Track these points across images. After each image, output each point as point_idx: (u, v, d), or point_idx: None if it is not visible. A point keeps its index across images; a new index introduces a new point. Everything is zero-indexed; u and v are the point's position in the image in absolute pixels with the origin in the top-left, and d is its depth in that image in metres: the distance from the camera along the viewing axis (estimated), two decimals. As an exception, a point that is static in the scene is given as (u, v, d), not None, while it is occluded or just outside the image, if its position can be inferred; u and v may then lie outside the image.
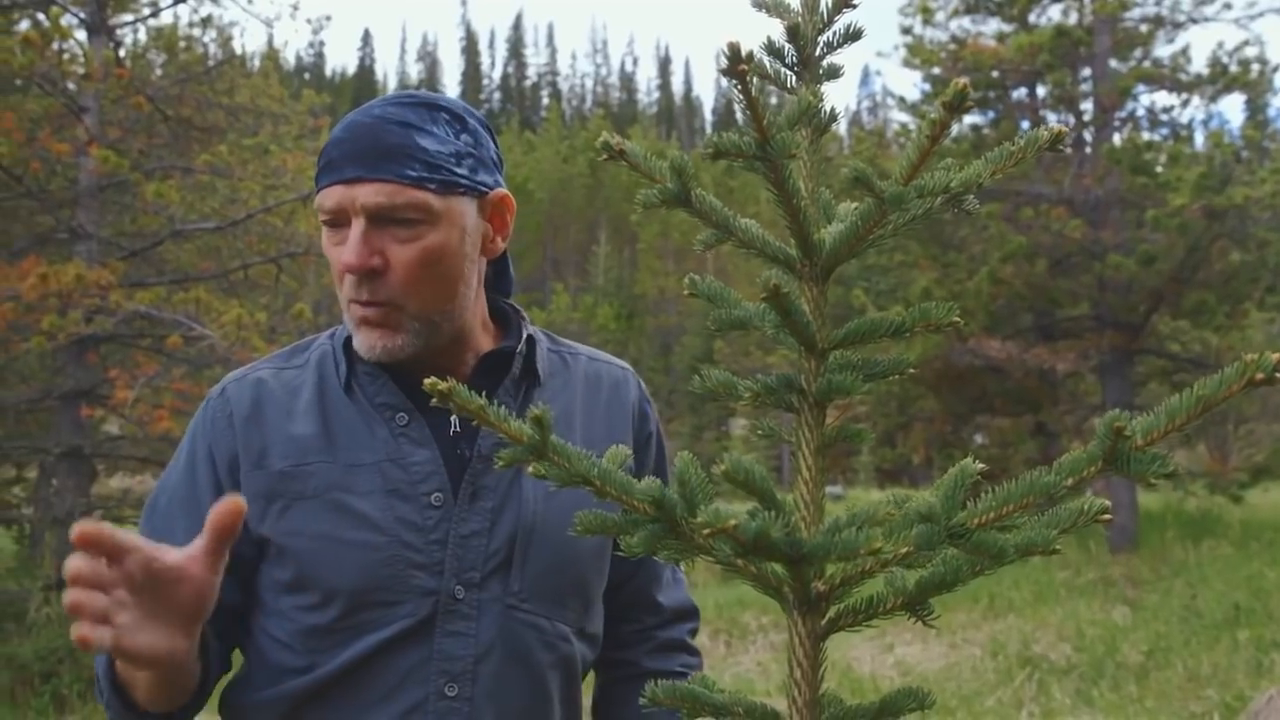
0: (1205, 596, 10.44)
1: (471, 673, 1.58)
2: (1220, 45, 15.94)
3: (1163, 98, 26.69)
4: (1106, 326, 14.62)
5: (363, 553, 1.55)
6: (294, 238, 10.96)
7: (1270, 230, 14.03)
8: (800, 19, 1.16)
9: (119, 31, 11.68)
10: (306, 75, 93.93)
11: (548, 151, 68.26)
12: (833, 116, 1.16)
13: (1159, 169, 14.61)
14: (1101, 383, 15.42)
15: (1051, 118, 16.17)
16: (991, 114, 16.95)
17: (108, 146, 10.18)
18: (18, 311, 9.02)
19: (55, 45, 10.35)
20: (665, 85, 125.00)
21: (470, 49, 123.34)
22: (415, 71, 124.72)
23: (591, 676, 1.91)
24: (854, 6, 1.16)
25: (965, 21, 16.96)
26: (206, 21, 12.84)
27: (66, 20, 10.78)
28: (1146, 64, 15.99)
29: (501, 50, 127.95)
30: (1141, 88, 15.73)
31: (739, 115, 1.01)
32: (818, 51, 1.17)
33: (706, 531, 0.94)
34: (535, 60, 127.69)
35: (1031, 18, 16.28)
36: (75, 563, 1.19)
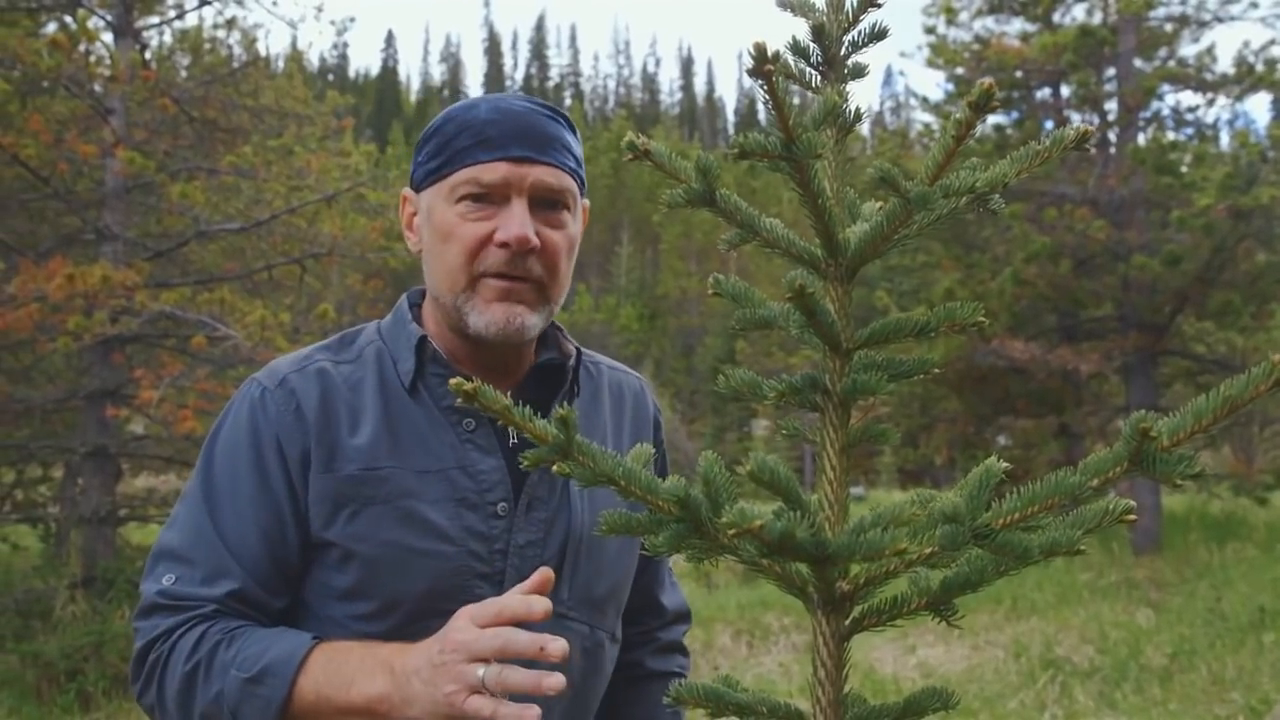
0: (1230, 599, 10.36)
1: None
2: (1246, 44, 15.92)
3: (1188, 97, 26.54)
4: (1131, 327, 14.54)
5: (432, 562, 1.54)
6: (318, 238, 10.98)
7: (1297, 230, 13.94)
8: (825, 18, 1.16)
9: (145, 34, 11.74)
10: (330, 76, 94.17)
11: (570, 152, 67.88)
12: (858, 116, 1.16)
13: (1184, 169, 14.53)
14: (1125, 384, 15.34)
15: (1075, 118, 16.10)
16: (1015, 114, 16.88)
17: (134, 148, 10.23)
18: (44, 312, 9.06)
19: (82, 48, 10.41)
20: (688, 86, 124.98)
21: (493, 50, 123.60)
22: (438, 73, 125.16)
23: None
24: (878, 6, 1.16)
25: (989, 21, 16.91)
26: (231, 23, 12.87)
27: (93, 23, 10.84)
28: (1171, 63, 15.90)
29: (524, 51, 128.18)
30: (1166, 87, 15.64)
31: (762, 115, 1.01)
32: (843, 51, 1.17)
33: (732, 532, 0.94)
34: (558, 61, 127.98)
35: (1055, 17, 16.21)
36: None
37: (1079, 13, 16.03)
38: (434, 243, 1.62)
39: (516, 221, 1.55)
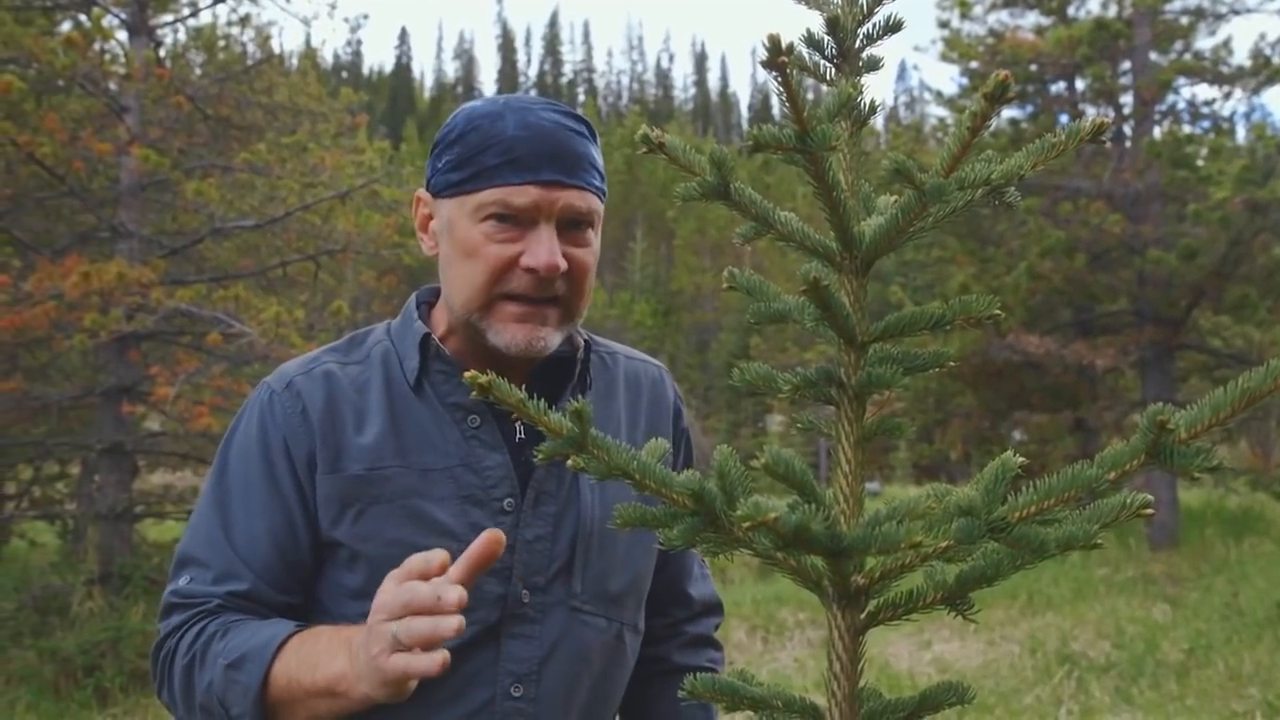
0: (1247, 594, 10.33)
1: (536, 674, 1.59)
2: (1263, 37, 15.73)
3: (1204, 90, 26.52)
4: (1146, 322, 14.49)
5: None
6: (332, 235, 11.01)
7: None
8: (840, 11, 1.16)
9: (159, 32, 11.77)
10: (344, 74, 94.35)
11: (584, 148, 67.92)
12: (872, 109, 1.15)
13: (1200, 162, 14.48)
14: (1141, 379, 15.29)
15: (1090, 111, 16.04)
16: (1030, 108, 16.84)
17: (148, 146, 10.26)
18: (61, 309, 9.10)
19: (97, 46, 10.45)
20: (701, 81, 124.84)
21: (506, 47, 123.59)
22: (452, 69, 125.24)
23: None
24: (893, -2, 1.16)
25: (1003, 15, 16.86)
26: (245, 21, 12.89)
27: (108, 21, 10.88)
28: (1187, 56, 15.83)
29: (538, 48, 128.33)
30: (1182, 80, 15.57)
31: (776, 110, 1.01)
32: (857, 44, 1.16)
33: (746, 525, 0.93)
34: (571, 57, 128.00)
35: (1070, 10, 16.16)
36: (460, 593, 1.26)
37: (1094, 6, 16.06)
38: (455, 256, 1.61)
39: (545, 248, 1.55)
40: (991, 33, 16.78)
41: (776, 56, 0.96)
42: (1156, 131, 15.35)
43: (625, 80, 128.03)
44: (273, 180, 10.83)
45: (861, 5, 1.16)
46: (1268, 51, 15.30)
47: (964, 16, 16.70)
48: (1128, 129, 15.46)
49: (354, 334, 1.76)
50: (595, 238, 1.64)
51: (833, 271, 1.14)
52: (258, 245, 12.07)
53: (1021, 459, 1.03)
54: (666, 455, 1.15)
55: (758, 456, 0.96)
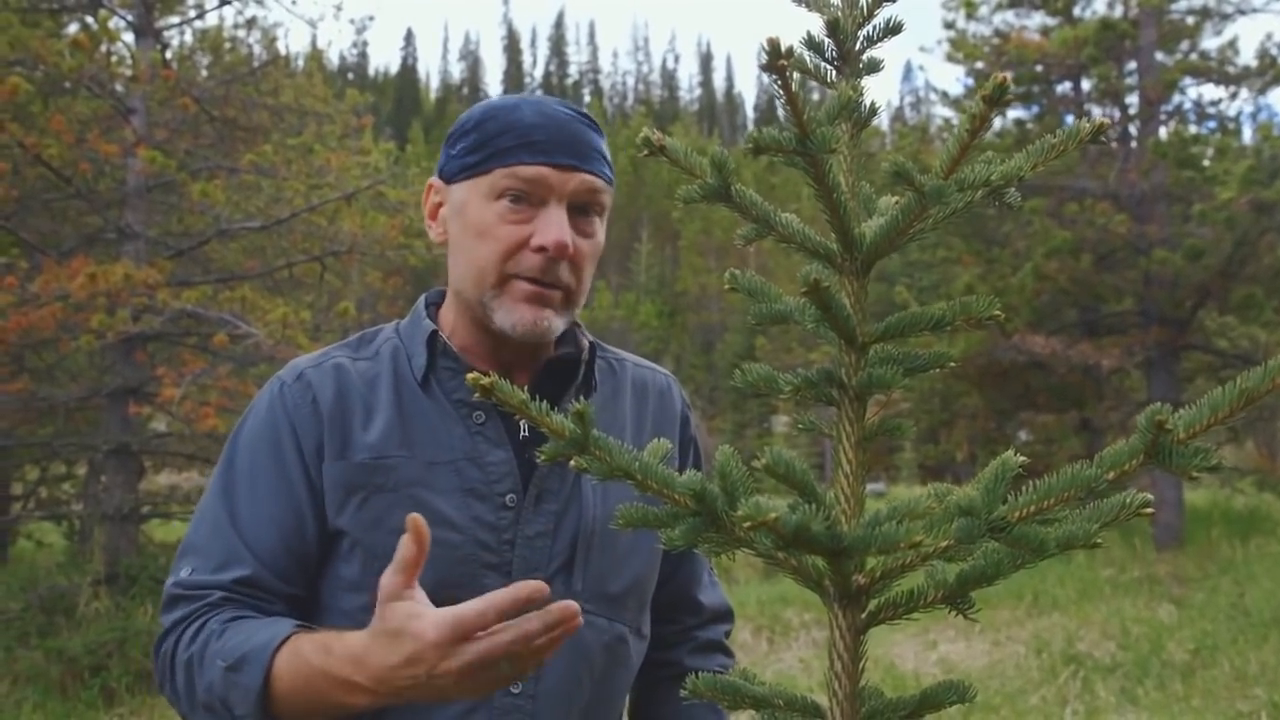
0: (1253, 595, 10.32)
1: (536, 671, 1.57)
2: (1269, 37, 15.74)
3: (1210, 90, 26.47)
4: (1152, 322, 14.48)
5: (439, 551, 1.53)
6: (338, 236, 11.02)
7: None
8: (840, 13, 1.16)
9: (165, 33, 11.80)
10: (350, 75, 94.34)
11: (589, 149, 67.93)
12: (873, 111, 1.16)
13: (1206, 162, 14.45)
14: (1147, 379, 15.27)
15: (1096, 112, 16.03)
16: (1035, 108, 16.82)
17: (155, 147, 10.27)
18: (67, 311, 9.12)
19: (103, 48, 10.47)
20: (707, 82, 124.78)
21: (512, 47, 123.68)
22: (458, 70, 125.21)
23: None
24: (894, 0, 1.16)
25: (1009, 15, 16.86)
26: (251, 23, 12.97)
27: (114, 23, 10.89)
28: (1193, 56, 15.81)
29: (543, 48, 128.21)
30: (1188, 80, 15.56)
31: (780, 111, 1.02)
32: (857, 46, 1.17)
33: (747, 524, 0.94)
34: (577, 58, 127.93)
35: (1076, 11, 16.15)
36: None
37: (1099, 6, 16.01)
38: (465, 238, 1.62)
39: (555, 227, 1.57)
40: (997, 33, 16.78)
41: (776, 60, 0.96)
42: (1162, 132, 15.33)
43: (631, 81, 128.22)
44: (278, 181, 10.85)
45: (862, 7, 1.17)
46: (1274, 51, 15.28)
47: (969, 17, 16.69)
48: (1133, 129, 15.45)
49: (364, 332, 1.79)
50: (601, 229, 1.67)
51: (833, 273, 1.15)
52: (264, 246, 12.08)
53: (1022, 459, 1.04)
54: (670, 456, 1.15)
55: (759, 457, 0.97)
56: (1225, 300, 14.21)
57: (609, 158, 1.67)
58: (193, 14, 12.15)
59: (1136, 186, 14.28)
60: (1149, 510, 1.03)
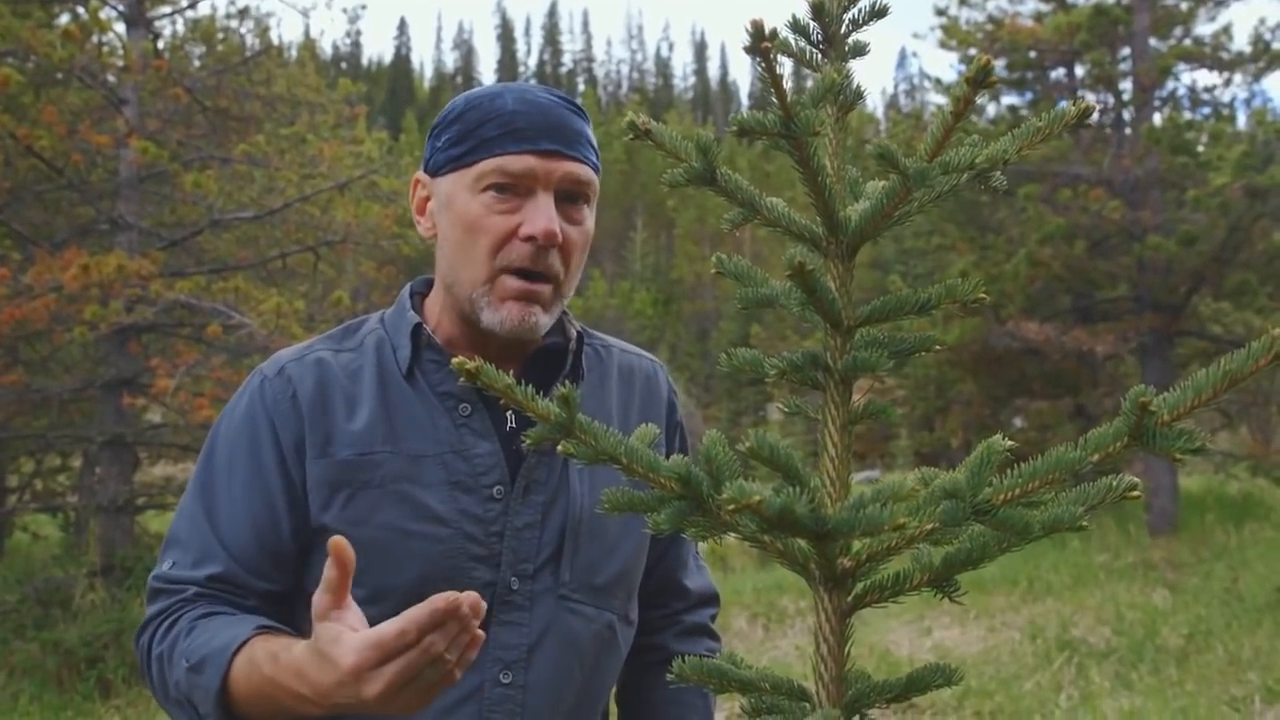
0: (1246, 580, 10.34)
1: (525, 661, 1.59)
2: (1263, 22, 15.65)
3: (1204, 76, 26.47)
4: (1146, 308, 14.48)
5: (426, 544, 1.55)
6: (331, 226, 11.01)
7: (1314, 209, 13.84)
8: (824, -4, 1.16)
9: (157, 23, 11.77)
10: (343, 65, 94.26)
11: (583, 138, 67.88)
12: (858, 93, 1.16)
13: (1200, 148, 14.44)
14: (1141, 365, 15.28)
15: (1090, 98, 15.99)
16: (1029, 95, 16.80)
17: (147, 138, 10.26)
18: (60, 302, 9.11)
19: (95, 38, 10.43)
20: (701, 70, 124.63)
21: (505, 36, 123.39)
22: (451, 60, 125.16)
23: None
24: (878, -17, 1.16)
25: (1002, 1, 16.81)
26: (244, 12, 12.90)
27: (105, 13, 10.86)
28: (1187, 42, 15.79)
29: (537, 37, 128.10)
30: (1182, 66, 15.54)
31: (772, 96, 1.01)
32: (843, 30, 1.17)
33: (731, 507, 0.94)
34: (571, 47, 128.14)
35: (1069, -4, 16.12)
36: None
37: (1093, -9, 15.92)
38: (454, 232, 1.61)
39: (544, 215, 1.56)
40: (990, 19, 16.74)
41: (760, 42, 0.96)
42: (1156, 117, 15.31)
43: (625, 70, 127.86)
44: (271, 172, 10.83)
45: (847, -9, 1.16)
46: (1268, 37, 15.27)
47: (963, 3, 16.66)
48: (1127, 115, 15.43)
49: (349, 323, 1.78)
50: (590, 215, 1.65)
51: (819, 256, 1.15)
52: (257, 237, 12.06)
53: (1009, 443, 1.04)
54: (656, 441, 1.15)
55: (745, 439, 0.97)
56: (1219, 286, 14.20)
57: (594, 142, 1.65)
58: (184, 3, 12.11)
59: (1130, 172, 14.27)
60: (1136, 494, 1.03)
